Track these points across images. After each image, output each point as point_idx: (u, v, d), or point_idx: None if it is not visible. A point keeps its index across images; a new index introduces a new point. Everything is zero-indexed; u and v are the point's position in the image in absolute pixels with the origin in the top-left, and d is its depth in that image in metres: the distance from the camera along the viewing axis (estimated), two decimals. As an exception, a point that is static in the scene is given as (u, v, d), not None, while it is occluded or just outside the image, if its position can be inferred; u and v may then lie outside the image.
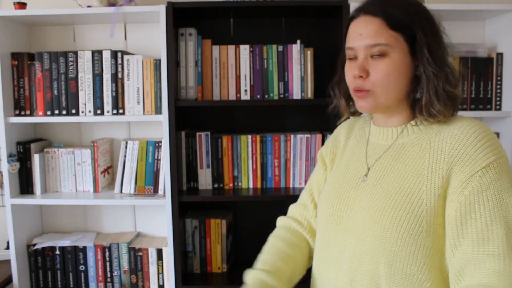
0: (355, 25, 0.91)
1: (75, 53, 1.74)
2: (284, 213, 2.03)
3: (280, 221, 1.21)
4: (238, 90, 1.77)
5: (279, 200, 1.96)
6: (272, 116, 1.95)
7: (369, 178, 0.94)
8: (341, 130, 1.13)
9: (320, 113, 1.95)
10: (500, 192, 0.80)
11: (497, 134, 1.79)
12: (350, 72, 0.92)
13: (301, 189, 1.79)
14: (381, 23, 0.87)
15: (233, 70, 1.76)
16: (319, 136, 1.80)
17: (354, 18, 0.92)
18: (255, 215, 2.00)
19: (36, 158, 1.80)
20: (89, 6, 1.77)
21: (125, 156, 1.82)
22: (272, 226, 2.02)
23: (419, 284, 0.84)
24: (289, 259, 1.05)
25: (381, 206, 0.87)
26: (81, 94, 1.75)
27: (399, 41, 0.87)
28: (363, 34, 0.88)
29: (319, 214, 1.05)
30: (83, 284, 1.86)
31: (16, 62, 1.76)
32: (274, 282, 0.99)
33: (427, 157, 0.87)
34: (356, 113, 1.07)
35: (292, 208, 1.20)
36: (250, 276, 1.03)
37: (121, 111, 1.75)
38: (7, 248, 1.92)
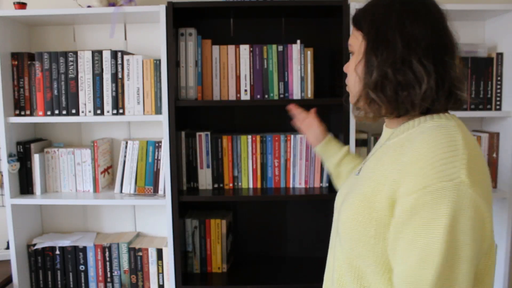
0: None
1: (75, 53, 1.74)
2: (284, 213, 2.04)
3: None
4: (238, 90, 1.77)
5: (279, 200, 1.96)
6: (272, 116, 1.95)
7: (360, 174, 0.96)
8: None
9: (320, 113, 1.95)
10: (430, 220, 0.72)
11: (497, 134, 1.79)
12: None
13: (301, 189, 1.80)
14: (353, 26, 0.93)
15: (233, 70, 1.76)
16: (319, 136, 1.80)
17: None
18: (255, 215, 2.00)
19: (36, 158, 1.80)
20: (89, 6, 1.77)
21: (125, 156, 1.82)
22: (272, 226, 2.03)
23: (376, 285, 0.84)
24: None
25: (345, 206, 0.90)
26: (81, 94, 1.75)
27: (358, 39, 0.90)
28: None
29: None
30: (83, 284, 1.86)
31: (16, 62, 1.76)
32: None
33: (390, 163, 0.83)
34: None
35: None
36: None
37: (121, 111, 1.75)
38: (7, 248, 1.92)
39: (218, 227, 1.83)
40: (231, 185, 1.82)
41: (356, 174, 0.98)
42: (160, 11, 1.64)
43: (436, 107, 0.85)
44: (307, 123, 1.45)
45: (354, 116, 0.98)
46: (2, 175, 1.90)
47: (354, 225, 0.85)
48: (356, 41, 0.91)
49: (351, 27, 0.93)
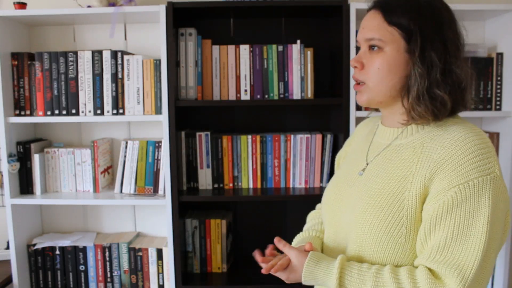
0: (364, 18, 0.94)
1: (75, 53, 1.74)
2: (284, 213, 2.04)
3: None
4: (238, 90, 1.77)
5: (279, 200, 1.96)
6: (272, 116, 1.95)
7: (365, 174, 0.95)
8: (358, 128, 1.16)
9: (320, 113, 1.96)
10: (473, 211, 0.78)
11: (497, 134, 1.79)
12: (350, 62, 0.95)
13: (301, 189, 1.80)
14: (380, 18, 0.89)
15: (233, 70, 1.76)
16: (319, 136, 1.80)
17: (367, 11, 0.95)
18: (255, 215, 2.00)
19: (36, 158, 1.80)
20: (89, 6, 1.77)
21: (125, 156, 1.82)
22: (272, 226, 2.03)
23: None
24: None
25: (364, 207, 0.89)
26: (81, 94, 1.75)
27: (394, 37, 0.87)
28: (365, 28, 0.91)
29: (321, 210, 1.08)
30: (83, 284, 1.86)
31: (16, 62, 1.76)
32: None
33: (415, 162, 0.86)
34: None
35: (310, 214, 1.24)
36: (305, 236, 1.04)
37: (121, 111, 1.75)
38: (7, 248, 1.92)
39: (218, 227, 1.83)
40: (231, 185, 1.82)
41: (359, 174, 0.97)
42: (160, 11, 1.64)
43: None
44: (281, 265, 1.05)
45: (359, 104, 0.96)
46: (2, 175, 1.90)
47: (383, 226, 0.85)
48: (389, 36, 0.87)
49: (374, 22, 0.89)
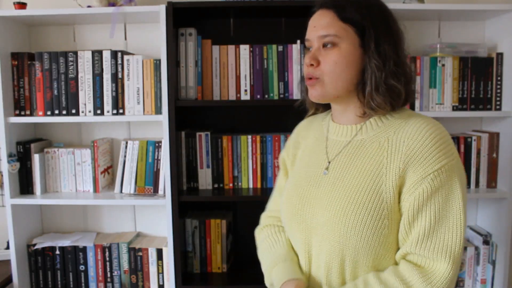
0: (312, 18, 0.96)
1: (75, 53, 1.74)
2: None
3: (261, 232, 1.17)
4: (238, 90, 1.77)
5: (279, 200, 1.96)
6: (272, 116, 1.94)
7: (330, 173, 0.95)
8: (300, 129, 1.15)
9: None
10: (448, 195, 0.85)
11: (497, 134, 1.79)
12: (304, 61, 0.97)
13: (301, 189, 1.80)
14: (333, 16, 0.92)
15: (233, 70, 1.76)
16: (319, 136, 1.80)
17: (313, 12, 0.97)
18: (255, 215, 1.98)
19: (36, 158, 1.80)
20: (89, 6, 1.77)
21: (125, 156, 1.82)
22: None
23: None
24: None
25: (344, 205, 0.89)
26: (81, 94, 1.75)
27: (348, 32, 0.91)
28: (317, 26, 0.94)
29: (282, 214, 1.06)
30: (83, 284, 1.86)
31: (16, 62, 1.76)
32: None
33: (385, 155, 0.90)
34: (319, 109, 1.10)
35: (265, 218, 1.20)
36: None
37: (121, 111, 1.75)
38: (7, 248, 1.91)
39: (218, 227, 1.83)
40: (231, 185, 1.82)
41: (323, 174, 0.96)
42: (160, 11, 1.64)
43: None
44: None
45: (311, 100, 0.98)
46: (2, 175, 1.90)
47: (367, 221, 0.86)
48: (343, 32, 0.91)
49: (326, 20, 0.92)
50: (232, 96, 1.77)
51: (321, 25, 0.93)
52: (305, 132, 1.11)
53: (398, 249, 0.90)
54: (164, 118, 1.69)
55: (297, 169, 1.07)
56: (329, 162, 0.97)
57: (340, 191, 0.91)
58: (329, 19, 0.92)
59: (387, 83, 0.89)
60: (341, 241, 0.89)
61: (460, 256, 0.85)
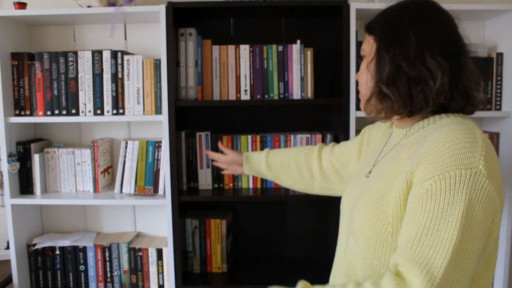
0: None
1: (75, 53, 1.74)
2: (284, 213, 2.04)
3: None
4: (238, 90, 1.77)
5: (279, 200, 1.96)
6: (272, 116, 1.95)
7: (371, 176, 0.96)
8: (374, 130, 1.18)
9: (320, 113, 1.96)
10: (447, 206, 0.73)
11: (497, 134, 1.79)
12: None
13: (301, 189, 1.80)
14: (367, 34, 0.96)
15: (233, 70, 1.76)
16: (319, 136, 1.80)
17: None
18: (255, 215, 2.00)
19: (36, 158, 1.80)
20: (89, 6, 1.77)
21: (125, 156, 1.82)
22: (272, 226, 2.03)
23: None
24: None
25: (362, 207, 0.90)
26: (81, 94, 1.75)
27: (370, 42, 0.92)
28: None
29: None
30: (83, 284, 1.86)
31: (16, 62, 1.76)
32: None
33: (406, 159, 0.84)
34: None
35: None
36: None
37: (121, 111, 1.75)
38: (7, 248, 1.92)
39: (218, 227, 1.83)
40: (231, 185, 1.82)
41: (366, 177, 0.98)
42: (160, 11, 1.64)
43: (451, 107, 0.86)
44: (225, 161, 1.49)
45: (367, 115, 0.95)
46: (2, 175, 1.90)
47: (371, 224, 0.85)
48: (368, 44, 0.93)
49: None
50: (232, 96, 1.77)
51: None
52: (376, 134, 1.16)
53: None
54: (164, 118, 1.69)
55: (359, 167, 1.15)
56: (374, 166, 0.97)
57: (365, 193, 0.91)
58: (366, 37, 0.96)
59: (381, 92, 0.86)
60: (357, 242, 0.91)
61: (444, 280, 0.71)
